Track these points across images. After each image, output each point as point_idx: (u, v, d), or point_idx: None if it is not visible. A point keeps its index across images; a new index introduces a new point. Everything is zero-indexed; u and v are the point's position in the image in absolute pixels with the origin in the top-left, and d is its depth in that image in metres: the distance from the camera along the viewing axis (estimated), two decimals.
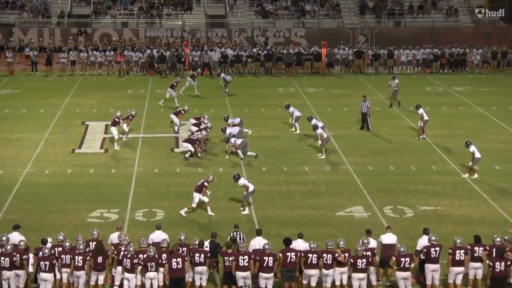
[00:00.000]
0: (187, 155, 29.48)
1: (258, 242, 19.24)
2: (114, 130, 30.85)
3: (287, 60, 47.15)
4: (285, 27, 54.61)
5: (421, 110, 32.04)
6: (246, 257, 18.41)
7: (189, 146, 29.37)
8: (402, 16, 56.70)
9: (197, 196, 23.88)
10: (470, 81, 45.13)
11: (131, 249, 18.44)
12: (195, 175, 27.62)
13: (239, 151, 29.38)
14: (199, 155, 29.50)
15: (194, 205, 23.94)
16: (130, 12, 56.22)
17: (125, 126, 31.76)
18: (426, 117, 31.86)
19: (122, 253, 18.55)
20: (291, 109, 33.62)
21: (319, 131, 29.93)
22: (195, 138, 29.74)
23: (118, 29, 53.69)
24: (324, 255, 18.53)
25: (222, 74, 41.65)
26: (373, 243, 19.19)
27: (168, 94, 37.77)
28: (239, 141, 29.53)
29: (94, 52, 47.54)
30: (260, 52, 47.56)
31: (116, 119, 31.10)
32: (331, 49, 47.38)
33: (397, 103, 37.59)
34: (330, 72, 47.34)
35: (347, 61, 48.04)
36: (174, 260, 18.26)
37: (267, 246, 18.67)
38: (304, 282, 18.71)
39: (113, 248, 18.95)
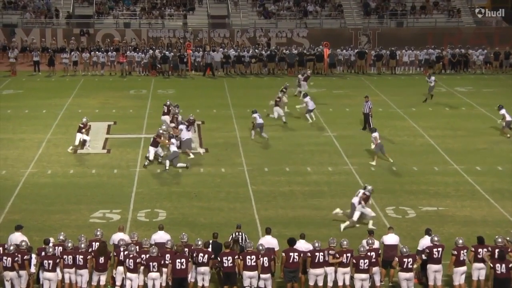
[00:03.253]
0: (146, 163, 28.48)
1: (267, 241, 19.21)
2: (85, 136, 30.47)
3: (289, 61, 47.13)
4: (287, 28, 54.58)
5: (503, 111, 32.10)
6: (253, 256, 18.35)
7: (151, 150, 28.46)
8: (404, 16, 56.64)
9: (358, 212, 22.79)
10: (472, 82, 45.08)
11: (132, 248, 18.44)
12: (197, 175, 27.64)
13: (167, 161, 28.15)
14: (165, 152, 28.75)
15: (355, 219, 22.71)
16: (132, 12, 56.22)
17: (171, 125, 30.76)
18: (508, 118, 31.81)
19: (124, 253, 18.52)
20: (307, 98, 34.04)
21: (375, 134, 29.01)
22: (156, 135, 28.85)
23: (120, 30, 53.69)
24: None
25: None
26: (375, 244, 19.17)
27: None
28: (173, 148, 28.18)
29: (97, 52, 47.57)
30: (263, 52, 47.58)
31: (81, 125, 30.56)
32: (334, 50, 47.53)
33: (426, 99, 38.38)
34: (332, 72, 47.34)
35: (349, 61, 48.05)
36: (178, 260, 18.23)
37: (260, 247, 18.61)
38: (311, 283, 18.67)
39: (119, 248, 18.90)
